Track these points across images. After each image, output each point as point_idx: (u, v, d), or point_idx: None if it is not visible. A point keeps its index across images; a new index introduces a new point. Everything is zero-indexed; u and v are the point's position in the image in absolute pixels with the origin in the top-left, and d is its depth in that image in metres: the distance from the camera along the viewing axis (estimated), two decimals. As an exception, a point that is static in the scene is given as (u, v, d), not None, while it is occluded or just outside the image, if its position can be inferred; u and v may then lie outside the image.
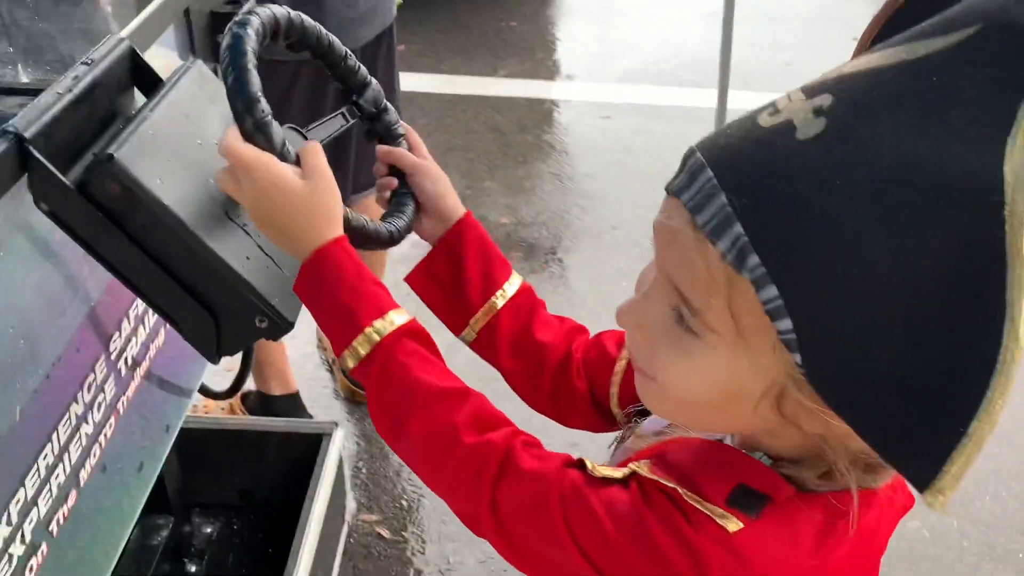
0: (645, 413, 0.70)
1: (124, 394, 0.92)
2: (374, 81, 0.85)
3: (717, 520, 0.55)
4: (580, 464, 0.61)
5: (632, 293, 0.61)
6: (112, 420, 0.89)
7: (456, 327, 0.82)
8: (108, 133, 0.72)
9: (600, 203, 2.85)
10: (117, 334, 0.88)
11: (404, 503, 1.96)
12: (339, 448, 1.60)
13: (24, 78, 1.01)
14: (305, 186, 0.69)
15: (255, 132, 0.66)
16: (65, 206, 0.69)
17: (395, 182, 0.83)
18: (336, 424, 1.63)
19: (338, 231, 0.69)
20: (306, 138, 0.78)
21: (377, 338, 0.67)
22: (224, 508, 1.70)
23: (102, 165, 0.68)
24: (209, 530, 1.73)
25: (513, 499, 0.62)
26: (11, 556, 0.72)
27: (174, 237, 0.71)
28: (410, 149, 0.85)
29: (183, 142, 0.76)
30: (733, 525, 0.55)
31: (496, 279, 0.81)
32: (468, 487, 0.64)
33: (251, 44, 0.68)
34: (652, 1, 4.34)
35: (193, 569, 1.66)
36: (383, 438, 0.71)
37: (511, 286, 0.81)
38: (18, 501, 0.72)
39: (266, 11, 0.72)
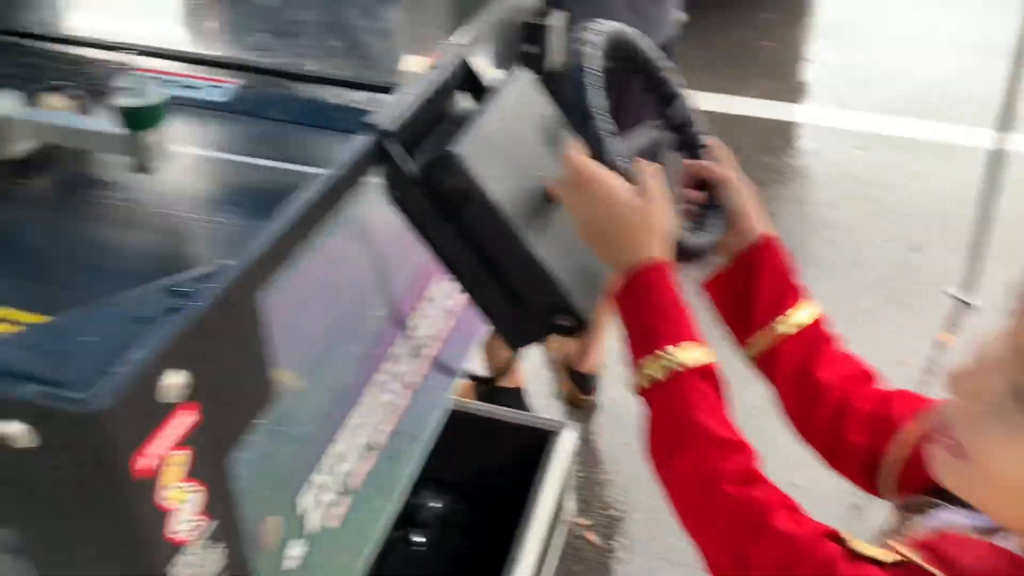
0: (938, 497, 0.64)
1: (416, 371, 0.99)
2: (683, 93, 0.88)
3: None
4: (838, 537, 0.60)
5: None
6: (407, 394, 0.97)
7: (739, 342, 0.84)
8: (444, 132, 0.79)
9: (844, 236, 2.73)
10: (414, 315, 0.96)
11: (615, 512, 1.97)
12: (569, 446, 1.64)
13: (348, 72, 1.12)
14: (642, 205, 0.73)
15: (598, 148, 0.70)
16: (408, 195, 0.77)
17: (699, 195, 0.85)
18: (566, 423, 1.67)
19: (667, 252, 0.73)
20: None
21: (676, 368, 0.70)
22: (453, 487, 1.79)
23: (445, 160, 0.75)
24: (438, 505, 1.82)
25: (764, 558, 0.62)
26: (320, 502, 0.80)
27: (500, 231, 0.77)
28: (718, 163, 0.87)
29: (511, 145, 0.81)
30: None
31: (783, 304, 0.81)
32: (722, 535, 0.66)
33: (596, 61, 0.72)
34: (909, 27, 4.10)
35: (418, 539, 1.76)
36: (650, 461, 0.73)
37: (799, 313, 0.81)
38: (331, 455, 0.81)
39: (606, 27, 0.76)
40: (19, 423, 0.48)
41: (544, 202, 0.80)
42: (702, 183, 0.86)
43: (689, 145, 0.87)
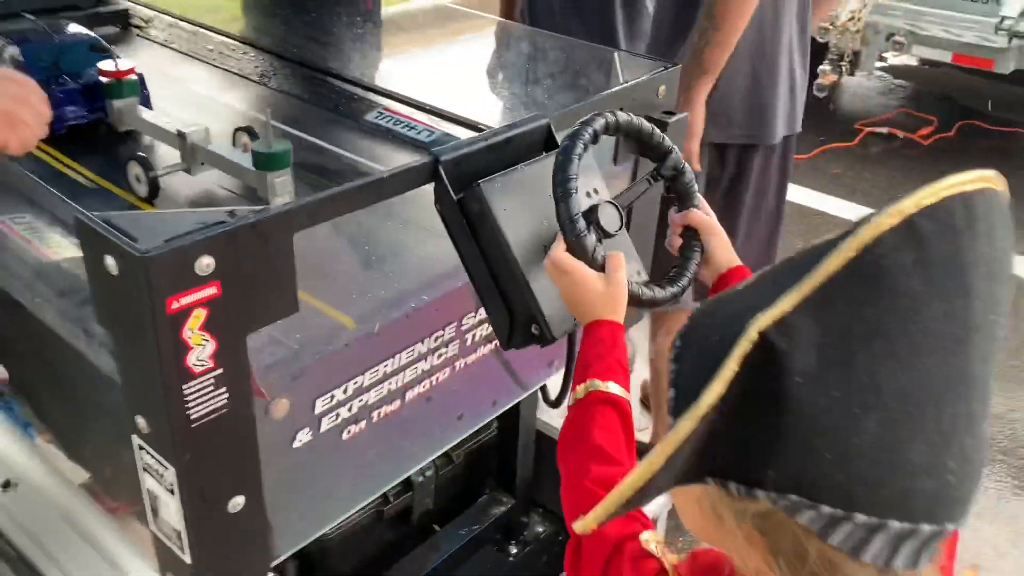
0: None
1: (464, 358, 1.25)
2: (675, 149, 1.07)
3: None
4: (638, 537, 0.82)
5: None
6: (446, 371, 1.23)
7: None
8: (498, 171, 1.05)
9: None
10: (472, 314, 1.22)
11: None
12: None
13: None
14: (604, 288, 0.98)
15: (575, 245, 0.97)
16: (448, 209, 1.04)
17: (678, 241, 1.08)
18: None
19: (617, 318, 0.98)
20: (620, 212, 1.03)
21: (593, 391, 0.94)
22: (559, 518, 1.99)
23: (473, 190, 1.01)
24: (540, 530, 2.03)
25: (589, 541, 0.84)
26: (337, 415, 1.09)
27: (501, 253, 1.02)
28: (701, 211, 1.10)
29: (535, 195, 1.05)
30: None
31: None
32: (573, 517, 0.87)
33: (574, 167, 0.96)
34: None
35: (511, 551, 1.97)
36: (557, 454, 0.96)
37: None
38: (355, 383, 1.09)
39: (597, 121, 0.99)
40: (110, 257, 0.82)
41: (548, 244, 1.03)
42: (688, 228, 1.09)
43: (681, 192, 1.09)
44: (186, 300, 0.84)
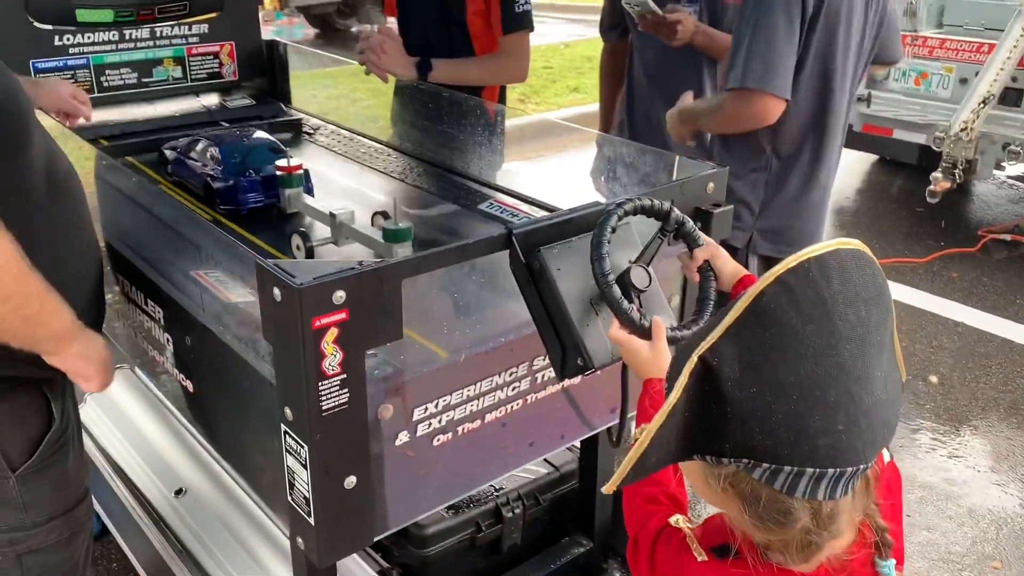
0: None
1: (534, 393, 1.57)
2: (674, 208, 1.39)
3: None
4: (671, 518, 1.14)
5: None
6: (519, 402, 1.55)
7: None
8: (557, 242, 1.39)
9: None
10: (542, 357, 1.54)
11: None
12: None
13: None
14: (650, 354, 1.29)
15: (624, 322, 1.30)
16: (518, 267, 1.38)
17: (695, 277, 1.41)
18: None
19: (660, 375, 1.26)
20: (648, 273, 1.34)
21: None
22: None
23: (534, 253, 1.35)
24: (617, 574, 2.26)
25: (641, 541, 1.19)
26: (430, 424, 1.43)
27: (555, 302, 1.35)
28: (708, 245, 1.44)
29: (584, 256, 1.37)
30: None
31: None
32: (629, 526, 1.23)
33: (607, 261, 1.29)
34: None
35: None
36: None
37: None
38: (445, 400, 1.43)
39: (627, 204, 1.32)
40: (276, 288, 1.21)
41: (598, 299, 1.35)
42: (703, 263, 1.41)
43: (686, 237, 1.41)
44: (325, 321, 1.21)
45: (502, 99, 2.81)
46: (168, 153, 2.29)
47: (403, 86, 2.62)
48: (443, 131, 2.43)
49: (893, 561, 1.00)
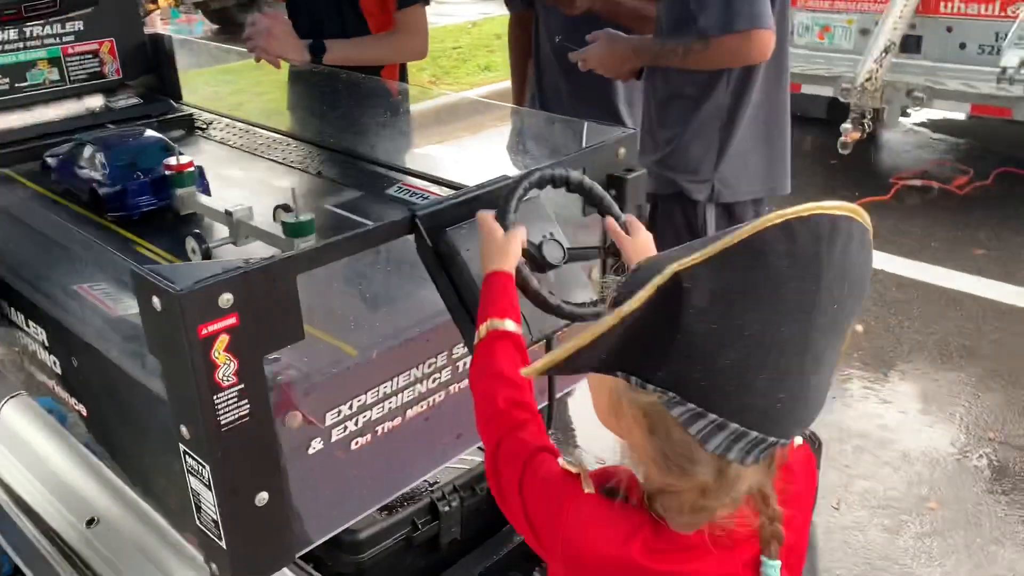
0: None
1: (458, 383, 1.48)
2: (576, 173, 1.33)
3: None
4: (552, 451, 1.02)
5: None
6: (441, 394, 1.46)
7: None
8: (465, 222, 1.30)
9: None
10: (462, 345, 1.45)
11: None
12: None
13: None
14: (504, 241, 1.21)
15: (499, 218, 1.23)
16: (425, 251, 1.29)
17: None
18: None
19: (508, 268, 1.20)
20: (563, 248, 1.27)
21: (492, 328, 1.15)
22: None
23: (441, 235, 1.26)
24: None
25: (506, 448, 1.06)
26: (345, 428, 1.33)
27: (467, 285, 1.26)
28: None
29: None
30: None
31: None
32: (489, 430, 1.09)
33: (519, 192, 1.22)
34: None
35: (536, 576, 2.15)
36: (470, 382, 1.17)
37: None
38: (359, 400, 1.33)
39: (552, 172, 1.24)
40: (156, 296, 1.09)
41: None
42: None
43: (597, 206, 1.34)
44: (213, 328, 1.10)
45: (403, 78, 2.70)
46: (51, 161, 2.12)
47: (297, 71, 2.49)
48: (343, 115, 2.31)
49: (779, 563, 0.92)
